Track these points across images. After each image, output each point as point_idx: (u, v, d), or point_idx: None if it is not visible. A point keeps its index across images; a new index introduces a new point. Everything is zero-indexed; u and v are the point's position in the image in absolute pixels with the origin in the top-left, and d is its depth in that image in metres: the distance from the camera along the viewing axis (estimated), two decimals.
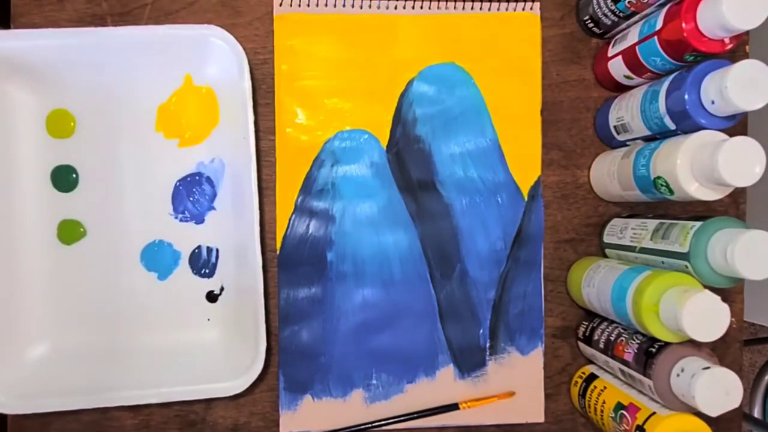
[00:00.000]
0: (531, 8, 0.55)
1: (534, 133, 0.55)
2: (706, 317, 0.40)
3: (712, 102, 0.41)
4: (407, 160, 0.54)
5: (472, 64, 0.55)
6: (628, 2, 0.47)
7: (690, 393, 0.41)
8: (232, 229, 0.52)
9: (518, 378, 0.55)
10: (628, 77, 0.51)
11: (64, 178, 0.52)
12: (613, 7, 0.49)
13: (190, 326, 0.53)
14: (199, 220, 0.53)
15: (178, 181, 0.53)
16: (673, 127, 0.45)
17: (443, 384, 0.55)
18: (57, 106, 0.52)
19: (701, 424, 0.44)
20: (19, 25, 0.51)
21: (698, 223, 0.44)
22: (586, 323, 0.54)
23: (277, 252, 0.53)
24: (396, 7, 0.54)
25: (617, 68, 0.51)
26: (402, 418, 0.54)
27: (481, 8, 0.54)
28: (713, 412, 0.40)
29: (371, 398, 0.54)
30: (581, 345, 0.55)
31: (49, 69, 0.50)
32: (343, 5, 0.53)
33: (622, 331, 0.50)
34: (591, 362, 0.56)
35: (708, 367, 0.41)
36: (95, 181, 0.53)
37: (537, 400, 0.55)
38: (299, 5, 0.53)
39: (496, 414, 0.55)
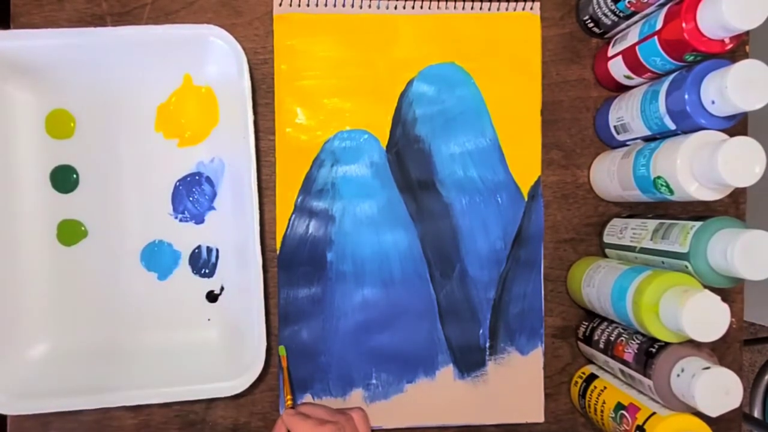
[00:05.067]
0: (531, 8, 0.55)
1: (534, 133, 0.55)
2: (706, 317, 0.40)
3: (712, 102, 0.41)
4: (407, 160, 0.54)
5: (472, 64, 0.54)
6: (628, 2, 0.47)
7: (690, 393, 0.41)
8: (232, 228, 0.52)
9: (518, 378, 0.55)
10: (628, 77, 0.51)
11: (64, 179, 0.52)
12: (613, 7, 0.49)
13: (190, 326, 0.53)
14: (199, 219, 0.53)
15: (178, 180, 0.53)
16: (673, 127, 0.45)
17: (443, 384, 0.55)
18: (57, 106, 0.52)
19: (701, 424, 0.44)
20: (19, 25, 0.51)
21: (698, 223, 0.44)
22: (586, 323, 0.54)
23: (277, 252, 0.53)
24: (396, 7, 0.54)
25: (617, 68, 0.51)
26: None
27: (481, 8, 0.54)
28: (713, 412, 0.40)
29: (371, 398, 0.54)
30: (581, 345, 0.55)
31: (49, 69, 0.50)
32: (343, 5, 0.53)
33: (622, 331, 0.50)
34: (591, 362, 0.56)
35: (708, 367, 0.41)
36: (95, 182, 0.53)
37: (537, 400, 0.55)
38: (299, 5, 0.53)
39: (496, 414, 0.55)
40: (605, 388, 0.51)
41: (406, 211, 0.54)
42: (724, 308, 0.40)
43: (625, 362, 0.48)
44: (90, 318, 0.52)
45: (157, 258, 0.53)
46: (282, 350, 0.53)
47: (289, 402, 0.51)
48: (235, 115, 0.50)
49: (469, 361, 0.55)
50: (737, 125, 0.45)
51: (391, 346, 0.54)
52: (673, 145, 0.44)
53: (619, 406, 0.48)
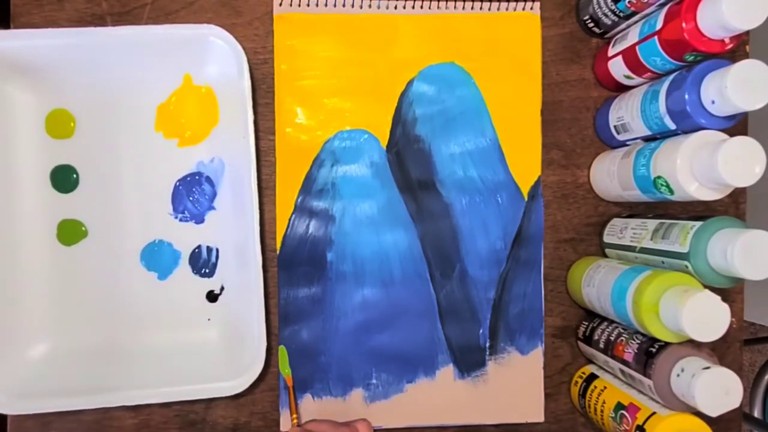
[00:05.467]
0: (531, 8, 0.55)
1: (534, 133, 0.55)
2: (706, 317, 0.40)
3: (712, 102, 0.41)
4: (407, 160, 0.54)
5: (472, 64, 0.54)
6: (629, 2, 0.47)
7: (690, 393, 0.41)
8: (232, 228, 0.52)
9: (518, 378, 0.55)
10: (628, 77, 0.51)
11: (64, 178, 0.52)
12: (613, 7, 0.49)
13: (190, 326, 0.53)
14: (199, 219, 0.53)
15: (178, 180, 0.53)
16: (673, 127, 0.45)
17: (443, 384, 0.55)
18: (57, 106, 0.52)
19: (701, 424, 0.44)
20: (19, 25, 0.51)
21: (698, 223, 0.44)
22: (586, 323, 0.54)
23: (277, 252, 0.53)
24: (396, 7, 0.54)
25: (617, 68, 0.51)
26: None
27: (481, 8, 0.54)
28: (713, 412, 0.40)
29: (371, 397, 0.54)
30: (581, 345, 0.55)
31: (49, 69, 0.50)
32: (343, 5, 0.53)
33: (622, 331, 0.50)
34: (591, 362, 0.56)
35: (708, 367, 0.41)
36: (95, 181, 0.53)
37: (537, 399, 0.55)
38: (299, 5, 0.53)
39: (496, 414, 0.55)
40: (605, 387, 0.51)
41: (406, 211, 0.54)
42: (724, 308, 0.40)
43: (625, 362, 0.48)
44: (90, 318, 0.52)
45: (157, 258, 0.53)
46: (285, 369, 0.53)
47: (295, 421, 0.51)
48: (235, 115, 0.50)
49: (469, 361, 0.55)
50: (737, 125, 0.45)
51: (391, 346, 0.54)
52: (673, 145, 0.44)
53: (619, 406, 0.48)
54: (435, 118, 0.54)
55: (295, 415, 0.51)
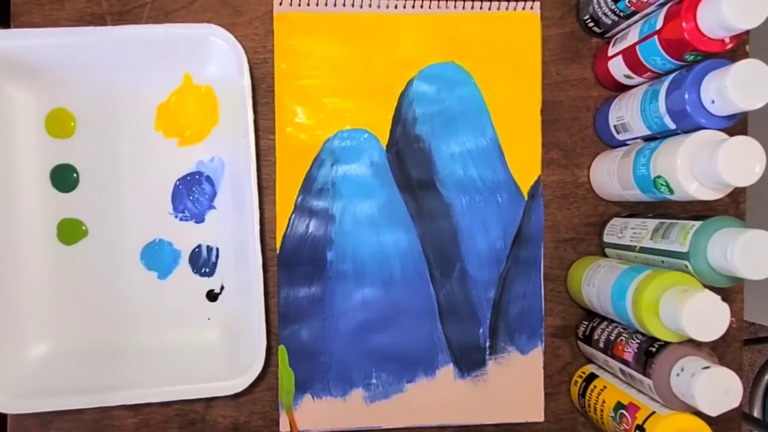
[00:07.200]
0: (531, 7, 0.55)
1: (534, 132, 0.55)
2: (706, 317, 0.40)
3: (712, 101, 0.41)
4: (407, 159, 0.54)
5: (472, 63, 0.54)
6: (629, 1, 0.47)
7: (690, 392, 0.41)
8: (232, 228, 0.53)
9: (518, 377, 0.55)
10: (628, 77, 0.51)
11: (64, 178, 0.52)
12: (613, 7, 0.49)
13: (190, 325, 0.53)
14: (199, 219, 0.53)
15: (178, 180, 0.53)
16: (673, 126, 0.45)
17: (443, 383, 0.55)
18: (56, 106, 0.52)
19: (701, 424, 0.44)
20: (19, 24, 0.51)
21: (698, 223, 0.44)
22: (586, 323, 0.54)
23: (277, 251, 0.53)
24: (396, 7, 0.54)
25: (617, 68, 0.51)
26: None
27: (481, 8, 0.54)
28: (713, 412, 0.40)
29: (371, 397, 0.54)
30: (581, 344, 0.55)
31: (49, 68, 0.50)
32: (343, 4, 0.53)
33: (621, 330, 0.50)
34: (591, 362, 0.56)
35: (708, 367, 0.41)
36: (95, 181, 0.53)
37: (537, 399, 0.55)
38: (299, 4, 0.53)
39: (496, 413, 0.55)
40: (605, 387, 0.51)
41: (406, 210, 0.54)
42: (724, 308, 0.40)
43: (624, 361, 0.48)
44: (90, 317, 0.52)
45: (158, 257, 0.53)
46: (286, 400, 0.53)
47: None
48: (235, 114, 0.50)
49: (469, 361, 0.55)
50: (737, 125, 0.45)
51: (391, 346, 0.54)
52: (673, 145, 0.44)
53: (619, 406, 0.48)
54: (435, 117, 0.54)
55: None
